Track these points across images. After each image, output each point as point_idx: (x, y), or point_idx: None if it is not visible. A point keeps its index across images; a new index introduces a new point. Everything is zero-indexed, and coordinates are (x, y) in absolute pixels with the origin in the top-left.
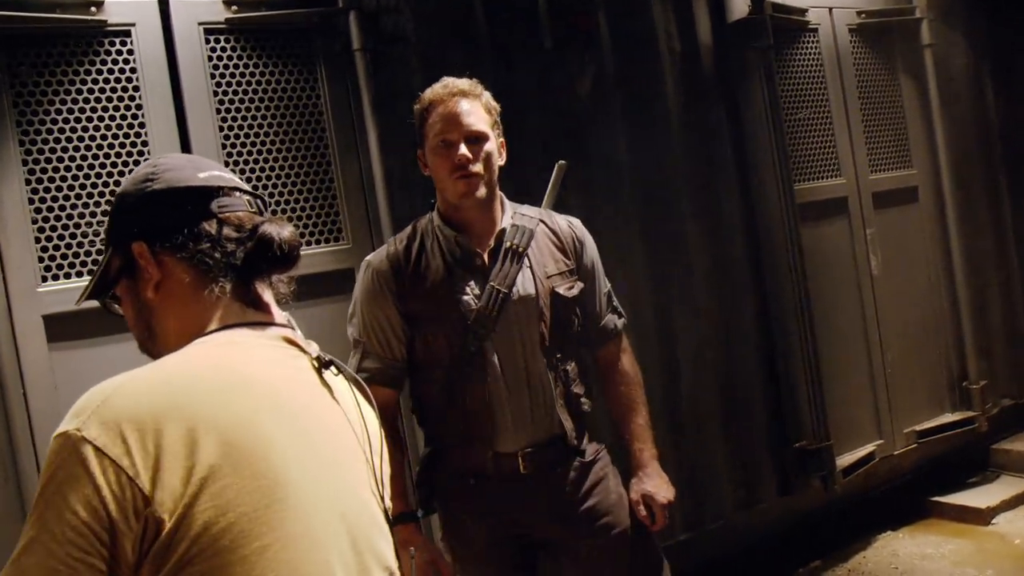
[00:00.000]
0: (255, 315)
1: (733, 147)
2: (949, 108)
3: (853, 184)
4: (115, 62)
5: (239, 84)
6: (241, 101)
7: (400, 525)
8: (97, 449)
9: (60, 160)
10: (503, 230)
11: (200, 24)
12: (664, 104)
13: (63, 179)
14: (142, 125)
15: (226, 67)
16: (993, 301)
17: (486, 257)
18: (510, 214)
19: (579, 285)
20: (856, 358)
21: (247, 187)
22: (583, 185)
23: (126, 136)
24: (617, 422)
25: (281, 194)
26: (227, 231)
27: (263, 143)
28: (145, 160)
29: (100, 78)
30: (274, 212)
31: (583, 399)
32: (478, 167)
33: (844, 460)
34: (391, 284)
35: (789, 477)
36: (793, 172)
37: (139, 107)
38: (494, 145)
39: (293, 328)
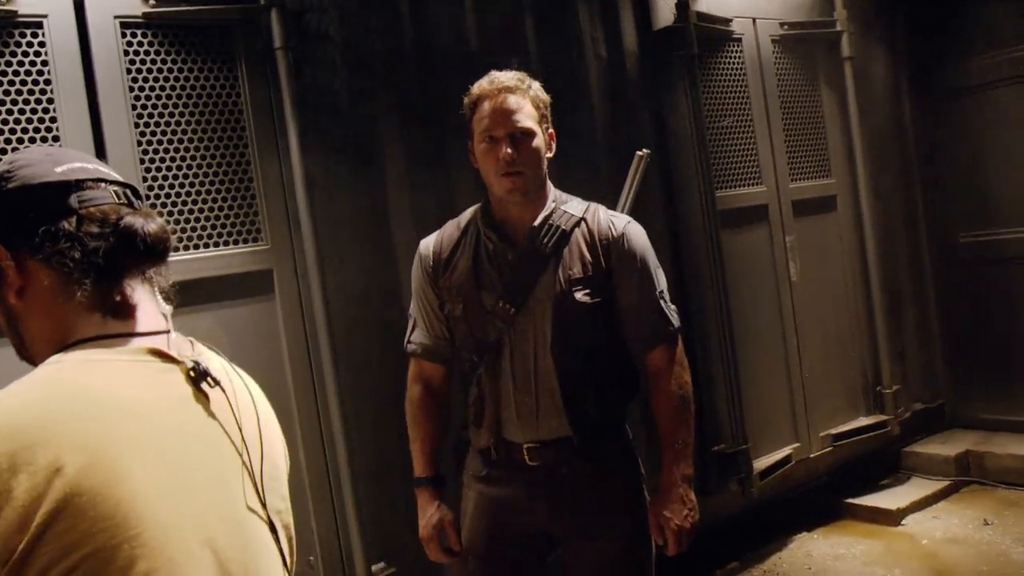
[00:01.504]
0: (116, 325)
1: (657, 153)
2: (868, 119)
3: (774, 192)
4: (25, 54)
5: (156, 80)
6: (158, 98)
7: (420, 487)
8: None
9: None
10: (535, 228)
11: (116, 17)
12: (589, 110)
13: None
14: (53, 120)
15: (143, 62)
16: (907, 308)
17: (515, 253)
18: (549, 211)
19: (604, 294)
20: (774, 362)
21: (115, 176)
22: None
23: (36, 131)
24: (659, 434)
25: (199, 193)
26: (88, 227)
27: (180, 141)
28: None
29: (9, 70)
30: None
31: (601, 404)
32: (523, 166)
33: (761, 463)
34: (429, 270)
35: (707, 480)
36: (715, 179)
37: (51, 101)
38: (541, 140)
39: (168, 331)
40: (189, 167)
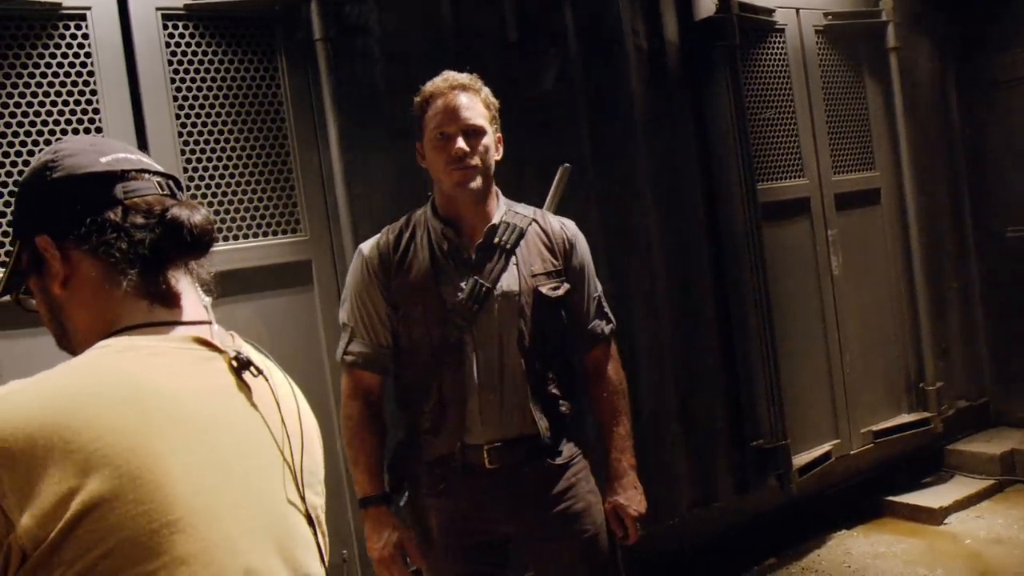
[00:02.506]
0: (163, 313)
1: (697, 146)
2: (913, 111)
3: (816, 185)
4: (69, 47)
5: (197, 72)
6: (199, 89)
7: (372, 507)
8: None
9: (11, 146)
10: (494, 226)
11: (158, 9)
12: (629, 101)
13: (14, 165)
14: (96, 111)
15: (184, 54)
16: (951, 304)
17: (473, 251)
18: (503, 211)
19: (565, 287)
20: (815, 358)
21: (158, 167)
22: (545, 180)
23: (80, 123)
24: (599, 429)
25: (239, 184)
26: (134, 218)
27: (221, 132)
28: None
29: (54, 63)
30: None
31: (561, 401)
32: (475, 160)
33: (801, 459)
34: (378, 272)
35: (746, 475)
36: (756, 172)
37: (94, 93)
38: (491, 139)
39: (210, 321)
40: (229, 158)
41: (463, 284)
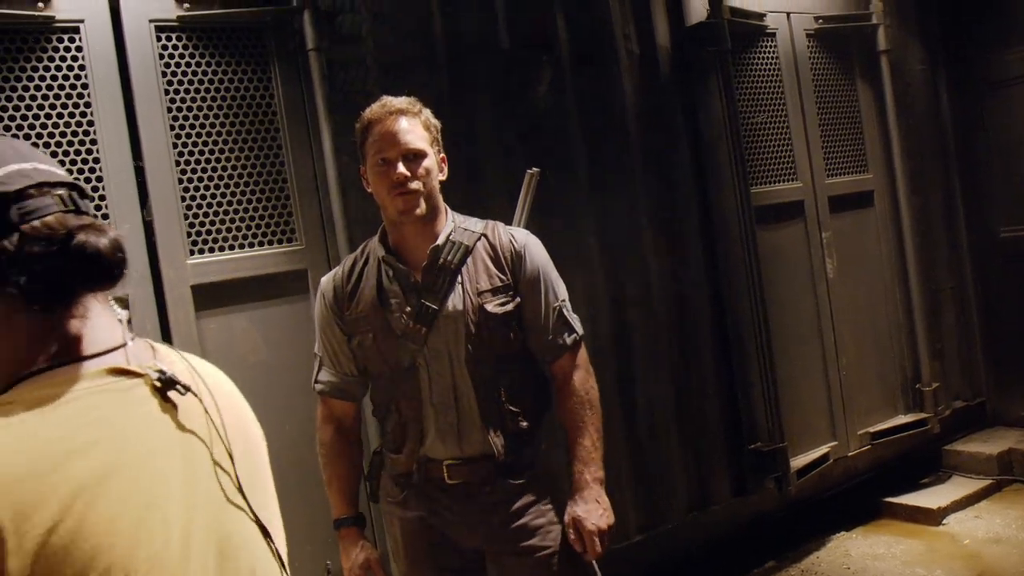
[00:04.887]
0: (68, 350)
1: (690, 150)
2: (905, 113)
3: (809, 188)
4: (63, 59)
5: (191, 83)
6: (193, 100)
7: (344, 528)
8: None
9: None
10: (437, 247)
11: (151, 21)
12: (622, 106)
13: None
14: (91, 123)
15: (177, 65)
16: (946, 304)
17: (418, 274)
18: (449, 229)
19: (515, 301)
20: (811, 360)
21: (59, 174)
22: (538, 186)
23: (74, 135)
24: (566, 440)
25: (234, 194)
26: (32, 247)
27: (215, 143)
28: (94, 160)
29: (48, 75)
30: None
31: (520, 417)
32: (416, 184)
33: (798, 461)
34: (332, 306)
35: (744, 478)
36: (750, 175)
37: (88, 105)
38: (433, 161)
39: (123, 343)
40: (224, 168)
41: (411, 308)
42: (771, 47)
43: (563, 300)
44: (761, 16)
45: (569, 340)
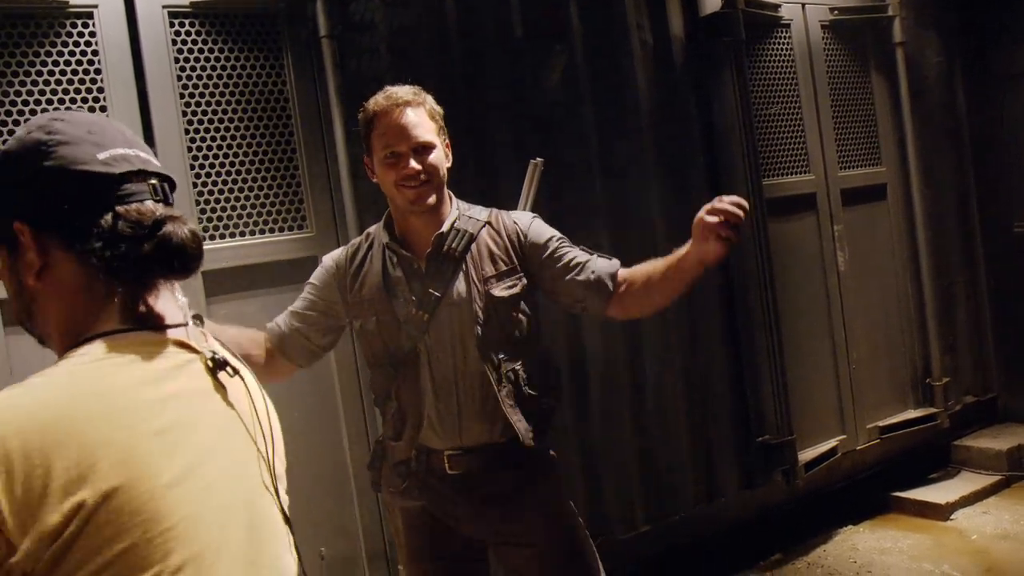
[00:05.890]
0: (140, 319)
1: (703, 141)
2: (919, 105)
3: (822, 180)
4: (76, 44)
5: (203, 69)
6: (205, 87)
7: None
8: None
9: None
10: (441, 234)
11: (164, 7)
12: (635, 97)
13: None
14: (104, 109)
15: (190, 52)
16: (959, 299)
17: (423, 262)
18: (454, 217)
19: (522, 283)
20: (821, 353)
21: (155, 164)
22: (551, 176)
23: None
24: (662, 274)
25: (245, 181)
26: (123, 227)
27: (227, 129)
28: None
29: (61, 60)
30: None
31: (542, 399)
32: (427, 177)
33: (807, 455)
34: (336, 276)
35: (752, 471)
36: (762, 167)
37: (100, 91)
38: (441, 152)
39: (186, 322)
40: (236, 155)
41: (414, 295)
42: (786, 38)
43: (583, 246)
44: (776, 7)
45: (611, 268)
